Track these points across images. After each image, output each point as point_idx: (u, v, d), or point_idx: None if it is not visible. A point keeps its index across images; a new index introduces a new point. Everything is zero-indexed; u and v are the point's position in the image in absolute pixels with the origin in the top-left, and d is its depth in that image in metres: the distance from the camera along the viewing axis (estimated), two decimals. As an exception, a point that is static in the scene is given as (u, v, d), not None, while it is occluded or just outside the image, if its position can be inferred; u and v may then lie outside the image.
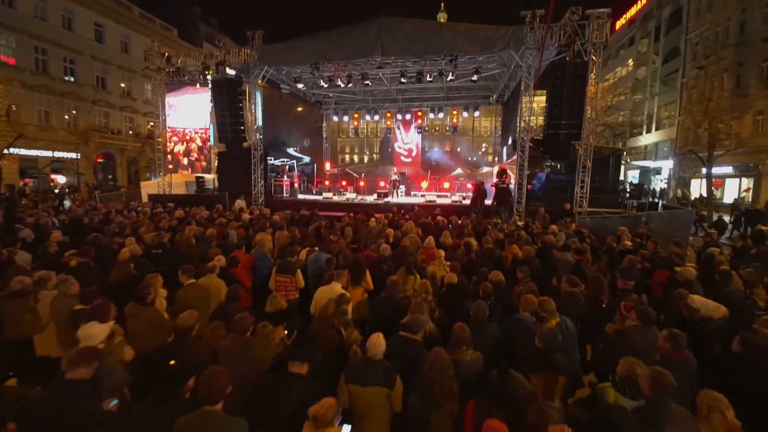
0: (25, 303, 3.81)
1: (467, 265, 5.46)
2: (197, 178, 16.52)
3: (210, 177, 17.13)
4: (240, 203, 11.15)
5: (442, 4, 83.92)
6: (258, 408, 2.30)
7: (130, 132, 29.54)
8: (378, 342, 2.56)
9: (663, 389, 2.23)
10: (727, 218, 15.43)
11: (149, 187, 16.79)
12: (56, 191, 21.01)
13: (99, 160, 27.76)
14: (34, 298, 3.66)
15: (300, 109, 17.71)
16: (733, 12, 22.74)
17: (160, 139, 15.47)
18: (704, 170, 19.12)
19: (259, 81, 13.55)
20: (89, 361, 2.16)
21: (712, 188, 20.12)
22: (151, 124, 31.77)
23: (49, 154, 24.05)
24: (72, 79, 25.28)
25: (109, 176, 28.88)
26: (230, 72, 14.23)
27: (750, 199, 20.70)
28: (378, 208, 11.06)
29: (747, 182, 21.79)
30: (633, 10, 37.42)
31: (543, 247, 6.01)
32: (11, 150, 19.50)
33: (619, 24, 40.29)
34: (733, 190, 22.67)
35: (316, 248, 5.88)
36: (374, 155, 35.56)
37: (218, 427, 1.93)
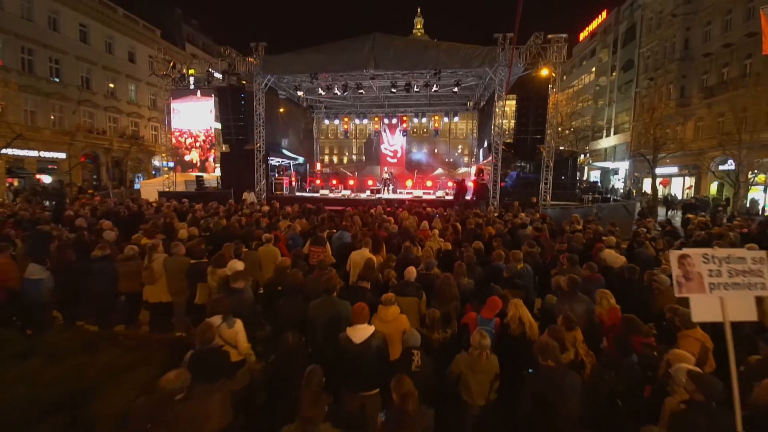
0: (137, 265, 5.16)
1: (455, 241, 7.13)
2: (197, 177, 17.51)
3: (208, 176, 18.15)
4: (250, 196, 12.40)
5: (419, 9, 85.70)
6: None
7: (119, 133, 29.66)
8: (411, 271, 4.15)
9: (579, 287, 3.92)
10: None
11: (149, 185, 17.62)
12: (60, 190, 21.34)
13: (83, 160, 27.80)
14: (148, 259, 5.00)
15: (294, 113, 18.99)
16: (678, 30, 25.79)
17: (170, 142, 16.32)
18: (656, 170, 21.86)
19: (262, 88, 14.80)
20: (244, 278, 3.62)
21: (661, 185, 22.91)
22: (136, 124, 32.09)
23: (35, 154, 24.09)
24: (57, 79, 25.33)
25: (94, 176, 28.93)
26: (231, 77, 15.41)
27: (692, 195, 23.67)
28: (373, 203, 12.62)
29: (690, 180, 24.84)
30: (595, 23, 40.70)
31: (512, 228, 7.78)
32: (1, 150, 19.71)
33: (582, 36, 43.65)
34: (678, 187, 25.72)
35: (334, 230, 7.40)
36: (353, 156, 37.06)
37: (336, 304, 3.43)
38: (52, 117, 25.10)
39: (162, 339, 4.40)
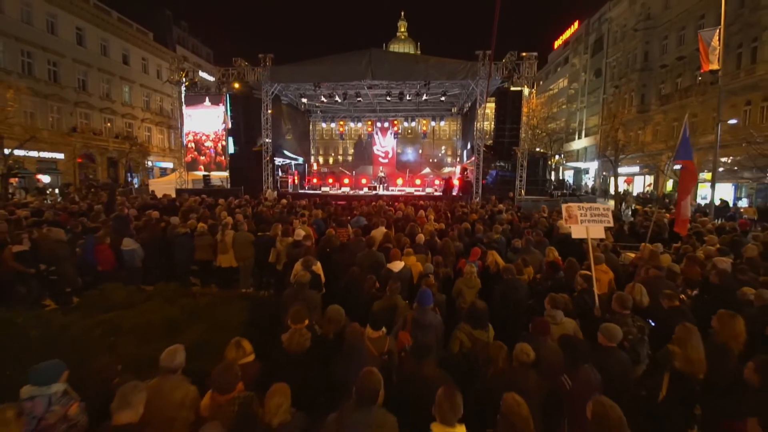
0: (209, 239, 6.76)
1: (447, 224, 8.98)
2: (204, 176, 18.85)
3: (215, 175, 19.48)
4: (272, 194, 13.97)
5: (402, 13, 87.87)
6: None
7: (113, 134, 30.34)
8: (420, 237, 5.98)
9: (532, 244, 5.81)
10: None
11: (158, 183, 18.83)
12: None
13: (79, 161, 28.41)
14: (222, 234, 6.61)
15: (294, 117, 20.52)
16: (639, 43, 28.58)
17: (187, 144, 17.54)
18: (620, 170, 24.43)
19: (270, 95, 16.32)
20: (308, 239, 5.33)
21: (625, 183, 25.60)
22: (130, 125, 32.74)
23: (35, 154, 24.68)
24: (55, 81, 25.96)
25: (90, 176, 29.53)
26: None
27: (651, 191, 26.42)
28: (373, 198, 14.38)
29: (649, 179, 27.63)
30: (568, 33, 43.62)
31: (492, 214, 9.70)
32: (6, 150, 20.43)
33: (557, 44, 46.61)
34: (639, 185, 28.52)
35: (350, 217, 9.14)
36: (347, 156, 38.69)
37: (375, 254, 5.20)
38: (51, 118, 25.71)
39: (230, 294, 6.01)
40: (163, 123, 37.27)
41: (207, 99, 17.57)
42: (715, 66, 13.77)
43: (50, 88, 25.42)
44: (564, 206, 3.93)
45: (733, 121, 17.56)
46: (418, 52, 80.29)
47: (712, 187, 14.86)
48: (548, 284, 4.43)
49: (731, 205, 19.83)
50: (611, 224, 4.07)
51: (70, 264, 5.89)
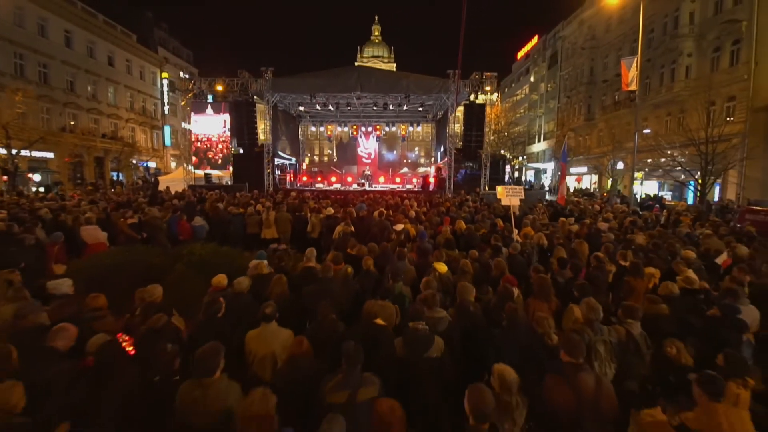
0: (257, 217, 9.22)
1: (427, 210, 11.82)
2: (206, 174, 20.78)
3: (215, 173, 21.43)
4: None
5: (376, 18, 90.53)
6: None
7: (100, 134, 31.16)
8: (411, 212, 8.71)
9: (487, 218, 8.75)
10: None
11: (164, 181, 20.51)
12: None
13: (67, 161, 29.11)
14: (266, 215, 9.06)
15: (287, 121, 22.77)
16: (585, 60, 32.86)
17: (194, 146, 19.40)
18: (571, 170, 28.37)
19: (270, 103, 18.58)
20: (335, 215, 7.94)
21: (576, 182, 29.63)
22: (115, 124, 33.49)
23: (26, 153, 25.38)
24: (45, 82, 26.74)
25: (78, 175, 30.23)
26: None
27: (597, 189, 30.65)
28: (363, 193, 17.04)
29: (594, 178, 31.93)
30: (529, 45, 48.04)
31: (461, 201, 12.65)
32: (2, 150, 21.39)
33: (519, 55, 51.06)
34: (587, 183, 32.81)
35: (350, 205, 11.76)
36: (324, 157, 41.18)
37: (384, 222, 7.90)
38: (42, 118, 26.40)
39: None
40: (146, 123, 38.09)
41: (209, 107, 19.59)
42: (633, 87, 17.44)
43: (41, 90, 26.15)
44: (498, 188, 6.81)
45: (647, 131, 21.55)
46: (392, 55, 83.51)
47: (631, 184, 18.58)
48: (490, 236, 7.32)
49: (658, 198, 24.02)
50: (523, 197, 7.02)
51: (163, 233, 8.19)
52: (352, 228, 7.28)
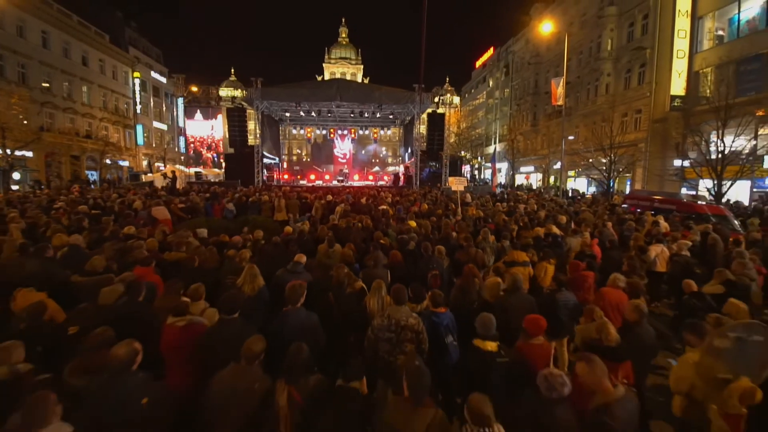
0: (271, 203, 12.05)
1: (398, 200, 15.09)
2: (196, 173, 22.85)
3: (205, 171, 23.51)
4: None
5: (343, 20, 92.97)
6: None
7: (74, 133, 31.74)
8: (388, 198, 11.90)
9: (442, 203, 12.14)
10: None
11: (153, 177, 22.37)
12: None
13: (46, 158, 29.59)
14: (278, 202, 11.89)
15: (270, 124, 25.19)
16: (531, 74, 37.66)
17: (188, 146, 21.35)
18: (521, 169, 32.89)
19: (260, 109, 21.05)
20: (333, 201, 10.95)
21: (525, 179, 34.28)
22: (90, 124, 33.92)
23: (7, 152, 25.89)
24: (23, 82, 27.28)
25: (55, 173, 30.68)
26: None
27: (540, 185, 35.45)
28: (344, 188, 20.01)
29: (539, 176, 36.82)
30: (486, 56, 52.85)
31: (425, 192, 16.05)
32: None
33: (478, 64, 55.87)
34: (534, 181, 37.69)
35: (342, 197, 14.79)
36: (304, 157, 43.63)
37: (382, 209, 11.02)
38: (21, 117, 26.85)
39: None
40: (119, 122, 38.50)
41: (198, 111, 21.76)
42: (560, 102, 21.72)
43: (20, 89, 26.65)
44: (450, 178, 10.13)
45: (572, 137, 26.19)
46: (359, 57, 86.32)
47: (563, 180, 22.86)
48: (444, 213, 10.68)
49: (586, 193, 28.85)
50: (466, 185, 10.44)
51: (203, 214, 10.85)
52: (349, 207, 10.36)
